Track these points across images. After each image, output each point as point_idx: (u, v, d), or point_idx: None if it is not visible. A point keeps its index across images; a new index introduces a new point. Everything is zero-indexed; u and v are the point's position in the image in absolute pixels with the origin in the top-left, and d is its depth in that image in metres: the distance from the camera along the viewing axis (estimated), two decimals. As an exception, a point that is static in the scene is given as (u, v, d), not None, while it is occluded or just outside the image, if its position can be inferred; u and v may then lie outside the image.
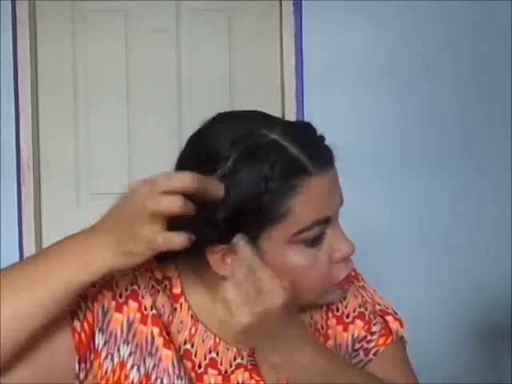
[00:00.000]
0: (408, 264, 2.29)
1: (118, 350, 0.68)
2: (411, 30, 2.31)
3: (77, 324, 0.66)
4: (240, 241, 0.63)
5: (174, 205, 0.58)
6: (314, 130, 0.69)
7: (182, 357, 0.71)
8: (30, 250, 2.22)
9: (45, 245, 2.28)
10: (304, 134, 0.67)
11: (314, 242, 0.67)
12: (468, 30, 2.32)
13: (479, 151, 2.33)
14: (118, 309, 0.69)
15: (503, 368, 2.32)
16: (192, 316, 0.72)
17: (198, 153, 0.67)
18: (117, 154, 2.32)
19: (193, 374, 0.71)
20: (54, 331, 0.65)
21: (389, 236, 2.29)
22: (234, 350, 0.73)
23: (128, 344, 0.69)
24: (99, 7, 2.31)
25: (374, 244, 2.23)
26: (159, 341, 0.69)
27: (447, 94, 2.32)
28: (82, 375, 0.66)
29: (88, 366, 0.67)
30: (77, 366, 0.66)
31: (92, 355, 0.67)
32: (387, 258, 2.27)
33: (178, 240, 0.59)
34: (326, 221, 0.67)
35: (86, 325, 0.67)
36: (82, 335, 0.66)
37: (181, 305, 0.72)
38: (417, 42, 2.31)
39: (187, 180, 0.59)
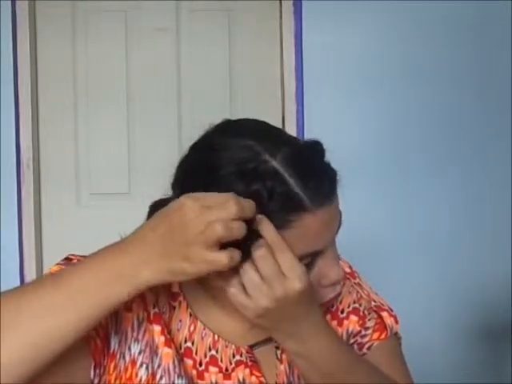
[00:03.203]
0: (408, 264, 2.29)
1: (129, 349, 0.68)
2: (411, 30, 2.31)
3: (91, 330, 0.65)
4: (262, 218, 0.61)
5: (241, 232, 0.57)
6: (321, 153, 0.66)
7: (183, 355, 0.71)
8: (29, 250, 2.22)
9: (45, 245, 2.28)
10: (308, 162, 0.64)
11: None
12: (468, 30, 2.32)
13: (479, 152, 2.32)
14: (127, 308, 0.69)
15: (503, 368, 2.32)
16: (191, 314, 0.72)
17: (199, 163, 0.66)
18: (117, 154, 2.32)
19: (194, 372, 0.71)
20: None
21: (389, 236, 2.29)
22: (233, 347, 0.73)
23: (138, 342, 0.69)
24: (99, 7, 2.31)
25: (375, 244, 2.24)
26: (160, 339, 0.69)
27: (448, 95, 2.31)
28: (96, 380, 0.66)
29: (102, 370, 0.67)
30: (92, 373, 0.65)
31: (106, 359, 0.67)
32: (387, 258, 2.27)
33: (237, 257, 0.58)
34: (317, 254, 0.66)
35: (100, 330, 0.67)
36: (98, 341, 0.66)
37: (179, 303, 0.73)
38: (417, 42, 2.31)
39: (253, 209, 0.59)
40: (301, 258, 0.64)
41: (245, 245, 0.61)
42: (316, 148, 0.66)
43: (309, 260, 0.65)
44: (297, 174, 0.62)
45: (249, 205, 0.59)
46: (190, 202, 0.57)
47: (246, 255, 0.61)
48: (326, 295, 0.70)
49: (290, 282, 0.60)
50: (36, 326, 0.57)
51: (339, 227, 0.69)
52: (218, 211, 0.56)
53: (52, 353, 0.58)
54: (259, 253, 0.61)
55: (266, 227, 0.61)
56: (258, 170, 0.62)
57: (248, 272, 0.61)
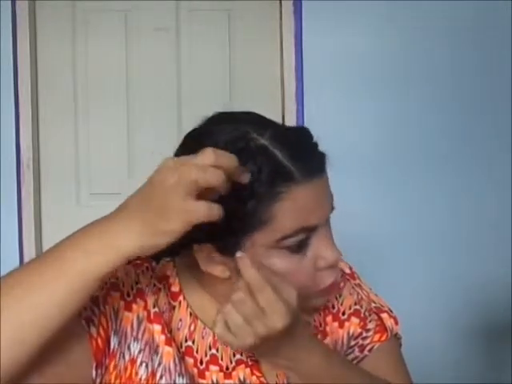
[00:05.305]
0: (408, 264, 2.29)
1: (129, 348, 0.69)
2: (411, 30, 2.31)
3: (93, 330, 0.66)
4: (242, 257, 0.62)
5: (218, 178, 0.57)
6: (308, 136, 0.68)
7: (184, 354, 0.71)
8: (30, 250, 2.22)
9: (45, 245, 2.28)
10: (295, 140, 0.66)
11: (299, 249, 0.66)
12: (468, 30, 2.32)
13: (479, 151, 2.33)
14: (127, 307, 0.70)
15: (503, 368, 2.32)
16: (191, 313, 0.73)
17: (193, 150, 0.66)
18: (117, 154, 2.32)
19: (195, 371, 0.71)
20: (71, 338, 0.64)
21: (389, 236, 2.29)
22: None
23: (138, 341, 0.69)
24: (99, 7, 2.31)
25: (375, 245, 2.24)
26: (161, 338, 0.70)
27: (448, 95, 2.32)
28: (97, 380, 0.66)
29: (103, 370, 0.67)
30: (94, 373, 0.66)
31: (107, 359, 0.67)
32: (387, 258, 2.27)
33: (216, 209, 0.58)
34: (311, 229, 0.66)
35: (101, 330, 0.67)
36: (99, 340, 0.66)
37: (179, 303, 0.73)
38: (417, 42, 2.31)
39: (232, 160, 0.59)
40: (294, 233, 0.64)
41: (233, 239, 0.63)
42: (303, 130, 0.68)
43: (303, 236, 0.65)
44: (285, 148, 0.64)
45: (226, 154, 0.59)
46: (170, 162, 0.59)
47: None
48: (325, 280, 0.69)
49: (270, 321, 0.61)
50: (21, 303, 0.58)
51: (332, 209, 0.69)
52: (191, 161, 0.58)
53: (44, 332, 0.59)
54: (236, 297, 0.62)
55: (245, 266, 0.62)
56: (248, 147, 0.63)
57: (230, 314, 0.62)
